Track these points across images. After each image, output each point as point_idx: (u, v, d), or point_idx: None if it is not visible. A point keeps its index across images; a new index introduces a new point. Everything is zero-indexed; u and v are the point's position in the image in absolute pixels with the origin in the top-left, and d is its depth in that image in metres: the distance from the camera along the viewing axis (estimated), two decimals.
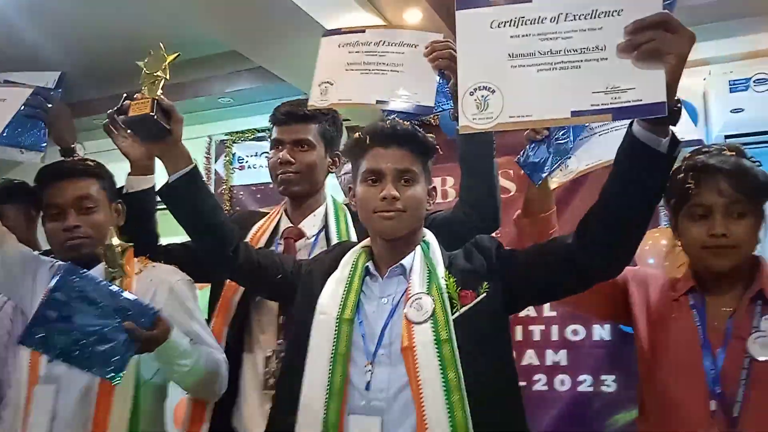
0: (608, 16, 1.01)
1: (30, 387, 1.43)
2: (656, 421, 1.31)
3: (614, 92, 0.98)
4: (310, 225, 1.64)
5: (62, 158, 1.66)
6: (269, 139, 1.72)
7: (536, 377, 2.62)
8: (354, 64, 1.46)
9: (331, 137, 1.67)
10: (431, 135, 1.30)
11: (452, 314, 1.16)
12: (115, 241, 1.36)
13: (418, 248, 1.26)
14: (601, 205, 1.12)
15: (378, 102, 1.43)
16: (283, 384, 1.29)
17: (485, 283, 1.19)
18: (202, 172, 1.42)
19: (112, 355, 1.25)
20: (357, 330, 1.21)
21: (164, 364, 1.38)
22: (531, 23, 1.05)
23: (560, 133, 1.44)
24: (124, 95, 1.34)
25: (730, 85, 3.03)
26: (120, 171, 1.62)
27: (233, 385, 1.53)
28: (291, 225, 1.65)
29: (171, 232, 1.59)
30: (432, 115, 2.12)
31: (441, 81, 1.43)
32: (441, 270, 1.22)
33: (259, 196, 3.98)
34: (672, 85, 0.97)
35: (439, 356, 1.12)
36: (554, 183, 1.49)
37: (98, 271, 1.40)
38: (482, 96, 1.06)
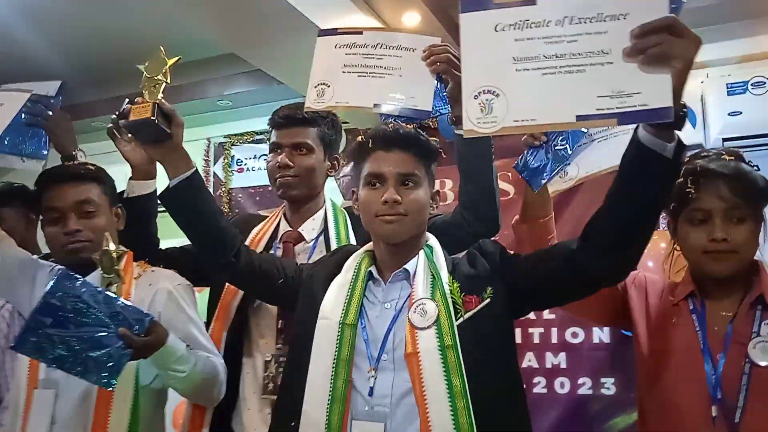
0: (614, 19, 1.00)
1: (29, 391, 1.43)
2: (656, 426, 1.30)
3: (620, 97, 0.97)
4: (309, 229, 1.63)
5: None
6: (268, 142, 1.72)
7: (536, 380, 2.61)
8: (351, 66, 1.45)
9: (330, 141, 1.66)
10: (434, 138, 1.30)
11: (456, 320, 1.16)
12: (112, 246, 1.36)
13: (422, 253, 1.26)
14: (606, 210, 1.11)
15: (375, 106, 1.43)
16: (285, 389, 1.29)
17: (489, 288, 1.19)
18: (201, 174, 1.42)
19: (107, 362, 1.25)
20: (360, 335, 1.20)
21: (161, 370, 1.37)
22: (536, 26, 1.04)
23: (559, 139, 1.43)
24: (126, 100, 1.34)
25: (727, 88, 3.03)
26: (118, 173, 1.61)
27: (233, 389, 1.52)
28: (290, 229, 1.65)
29: (170, 235, 1.58)
30: (430, 118, 2.12)
31: (439, 85, 1.43)
32: (445, 275, 1.21)
33: (257, 198, 3.98)
34: (678, 90, 0.96)
35: (443, 362, 1.12)
36: (553, 190, 1.49)
37: (95, 277, 1.39)
38: (486, 100, 1.05)
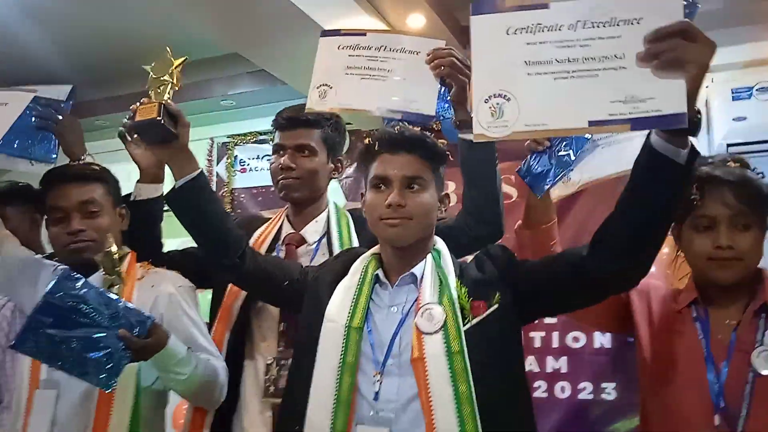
0: (627, 24, 0.99)
1: (31, 391, 1.43)
2: None
3: (633, 102, 0.97)
4: (312, 231, 1.63)
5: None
6: (271, 143, 1.71)
7: (536, 384, 2.60)
8: (354, 68, 1.45)
9: (334, 143, 1.66)
10: (442, 141, 1.29)
11: (464, 325, 1.15)
12: (114, 247, 1.35)
13: (429, 257, 1.25)
14: (617, 216, 1.10)
15: (378, 109, 1.42)
16: (289, 392, 1.28)
17: (497, 293, 1.18)
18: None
19: (106, 363, 1.25)
20: (366, 339, 1.19)
21: (161, 372, 1.37)
22: (548, 30, 1.03)
23: (562, 144, 1.43)
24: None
25: (732, 93, 3.02)
26: (121, 172, 1.61)
27: (234, 391, 1.52)
28: (293, 231, 1.64)
29: (174, 234, 1.58)
30: (434, 121, 2.12)
31: (443, 89, 1.42)
32: (452, 280, 1.20)
33: (260, 199, 3.97)
34: (692, 95, 0.96)
35: (450, 368, 1.11)
36: (556, 195, 1.49)
37: (97, 278, 1.39)
38: (497, 104, 1.04)
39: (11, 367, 1.71)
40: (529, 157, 1.46)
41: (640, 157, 1.05)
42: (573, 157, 1.42)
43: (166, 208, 1.47)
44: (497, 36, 1.06)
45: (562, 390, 2.61)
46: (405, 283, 1.24)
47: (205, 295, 1.64)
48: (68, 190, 1.48)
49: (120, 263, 1.37)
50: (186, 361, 1.36)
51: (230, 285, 1.56)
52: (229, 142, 4.16)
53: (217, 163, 4.17)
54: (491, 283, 1.20)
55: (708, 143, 3.00)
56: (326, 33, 1.51)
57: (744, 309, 1.27)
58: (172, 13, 2.93)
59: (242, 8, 2.64)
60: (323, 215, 1.65)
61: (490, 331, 1.15)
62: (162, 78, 1.33)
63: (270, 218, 1.72)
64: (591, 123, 0.99)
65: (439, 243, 1.29)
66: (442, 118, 1.51)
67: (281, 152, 1.62)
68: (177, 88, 1.33)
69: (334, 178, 1.71)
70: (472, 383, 1.10)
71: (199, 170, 1.34)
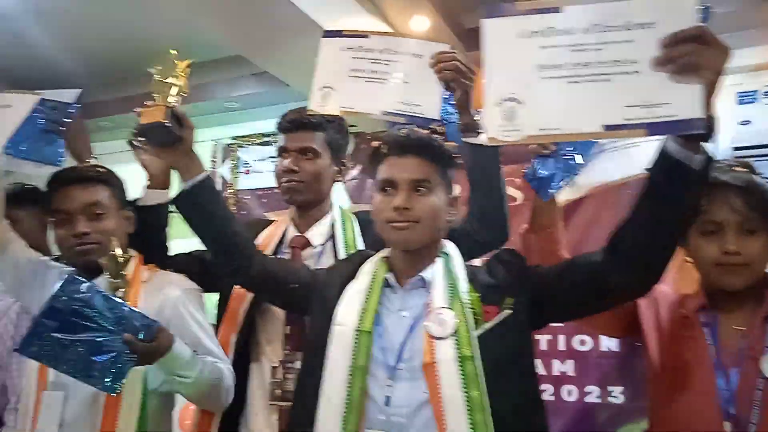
0: (641, 28, 0.98)
1: (38, 392, 1.43)
2: None
3: (648, 107, 0.96)
4: (317, 234, 1.62)
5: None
6: (275, 145, 1.71)
7: (543, 387, 2.59)
8: (357, 70, 1.44)
9: (338, 145, 1.65)
10: (452, 144, 1.28)
11: (475, 330, 1.14)
12: (118, 250, 1.36)
13: (439, 260, 1.24)
14: (631, 223, 1.09)
15: (381, 112, 1.42)
16: (298, 396, 1.27)
17: (509, 298, 1.17)
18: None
19: (111, 367, 1.25)
20: (376, 343, 1.18)
21: (167, 375, 1.37)
22: (561, 34, 1.02)
23: (568, 149, 1.42)
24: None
25: (738, 97, 3.01)
26: (125, 173, 1.61)
27: (240, 394, 1.52)
28: (298, 234, 1.64)
29: (181, 235, 1.58)
30: (438, 125, 2.11)
31: (447, 93, 1.42)
32: (464, 284, 1.19)
33: (264, 201, 3.97)
34: (708, 100, 0.95)
35: (462, 374, 1.09)
36: (562, 199, 1.48)
37: (102, 281, 1.39)
38: (510, 108, 1.03)
39: (18, 368, 1.72)
40: (535, 160, 1.45)
41: (654, 163, 1.04)
42: (579, 162, 1.42)
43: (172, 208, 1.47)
44: (510, 39, 1.05)
45: (569, 393, 2.60)
46: (415, 287, 1.23)
47: (211, 297, 1.63)
48: (73, 193, 1.48)
49: (124, 266, 1.37)
50: (191, 364, 1.36)
51: (235, 288, 1.56)
52: (232, 144, 4.17)
53: (221, 165, 4.18)
54: (503, 288, 1.19)
55: (713, 147, 2.99)
56: (328, 34, 1.50)
57: (752, 315, 1.26)
58: (179, 16, 2.94)
59: (247, 11, 2.65)
60: (328, 218, 1.65)
61: (502, 337, 1.14)
62: (167, 81, 1.33)
63: (274, 221, 1.72)
64: (607, 128, 0.98)
65: (450, 246, 1.28)
66: (446, 122, 1.51)
67: (285, 155, 1.62)
68: (185, 94, 1.33)
69: (339, 180, 1.70)
70: (485, 389, 1.09)
71: (206, 173, 1.34)
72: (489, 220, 1.44)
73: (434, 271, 1.22)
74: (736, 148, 2.88)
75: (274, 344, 1.55)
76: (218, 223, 1.34)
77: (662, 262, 1.10)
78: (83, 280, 1.28)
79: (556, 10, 1.03)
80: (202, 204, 1.33)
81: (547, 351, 2.65)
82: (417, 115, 1.38)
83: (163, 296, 1.45)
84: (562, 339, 2.64)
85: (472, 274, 1.23)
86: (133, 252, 1.51)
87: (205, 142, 4.12)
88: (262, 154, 4.06)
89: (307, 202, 1.63)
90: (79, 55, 3.66)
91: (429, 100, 1.40)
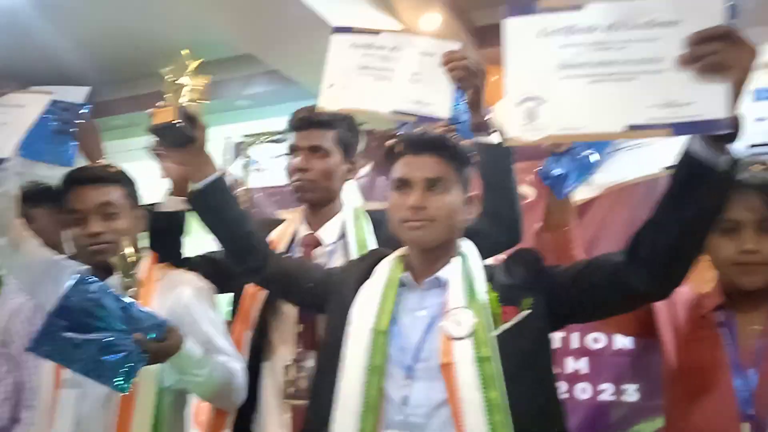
0: (665, 26, 0.96)
1: (55, 390, 1.43)
2: None
3: (673, 106, 0.94)
4: (328, 233, 1.62)
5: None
6: (286, 143, 1.71)
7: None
8: (367, 68, 1.43)
9: (348, 143, 1.64)
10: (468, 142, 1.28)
11: (494, 330, 1.13)
12: (129, 249, 1.36)
13: (456, 259, 1.22)
14: (653, 225, 1.07)
15: (391, 110, 1.41)
16: (315, 395, 1.27)
17: (528, 298, 1.15)
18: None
19: (122, 366, 1.25)
20: (392, 342, 1.17)
21: (179, 374, 1.37)
22: (582, 32, 1.01)
23: (583, 147, 1.40)
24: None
25: (754, 93, 2.96)
26: (137, 172, 1.61)
27: (253, 393, 1.52)
28: (309, 232, 1.64)
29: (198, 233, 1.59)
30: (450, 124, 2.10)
31: (458, 92, 1.41)
32: (482, 284, 1.18)
33: (276, 198, 3.98)
34: (735, 100, 0.93)
35: (480, 374, 1.08)
36: (577, 198, 1.46)
37: (114, 281, 1.40)
38: (531, 107, 1.02)
39: (33, 366, 1.73)
40: (549, 158, 1.44)
41: (678, 164, 1.03)
42: (595, 160, 1.40)
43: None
44: (531, 38, 1.04)
45: (583, 391, 2.58)
46: (432, 287, 1.22)
47: (222, 297, 1.64)
48: (86, 193, 1.48)
49: (135, 266, 1.37)
50: (202, 363, 1.36)
51: (246, 288, 1.56)
52: (243, 142, 4.18)
53: (232, 163, 4.19)
54: (522, 288, 1.17)
55: (739, 147, 2.94)
56: (338, 29, 1.49)
57: None
58: (189, 15, 2.95)
59: (257, 10, 2.65)
60: (339, 216, 1.64)
61: (520, 337, 1.13)
62: (178, 81, 1.33)
63: (285, 219, 1.71)
64: (631, 127, 0.97)
65: (467, 245, 1.27)
66: (458, 121, 1.50)
67: (295, 153, 1.62)
68: (203, 100, 1.33)
69: (350, 178, 1.70)
70: (504, 390, 1.08)
71: (219, 173, 1.34)
72: (502, 220, 1.43)
73: (451, 271, 1.21)
74: (753, 146, 2.83)
75: (286, 343, 1.55)
76: (232, 222, 1.34)
77: (684, 266, 1.09)
78: (94, 279, 1.28)
79: (577, 8, 1.02)
80: (215, 204, 1.33)
81: (560, 349, 2.64)
82: (427, 113, 1.37)
83: (176, 295, 1.46)
84: (575, 337, 2.62)
85: (490, 274, 1.21)
86: (145, 251, 1.51)
87: (216, 140, 4.14)
88: (274, 151, 4.07)
89: (317, 200, 1.63)
90: (91, 54, 3.69)
91: (440, 99, 1.39)
